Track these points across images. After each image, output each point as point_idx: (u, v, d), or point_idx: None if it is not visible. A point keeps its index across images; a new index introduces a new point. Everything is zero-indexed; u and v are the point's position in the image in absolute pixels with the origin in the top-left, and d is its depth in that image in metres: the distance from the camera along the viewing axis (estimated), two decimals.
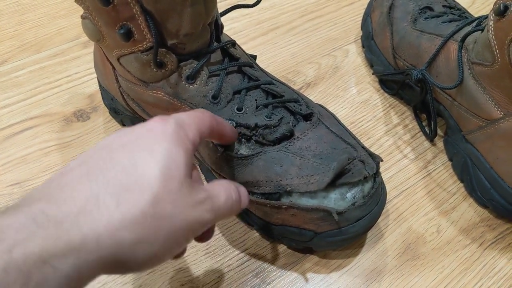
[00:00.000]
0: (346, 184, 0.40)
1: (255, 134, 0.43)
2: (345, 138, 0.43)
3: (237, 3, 0.48)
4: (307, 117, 0.45)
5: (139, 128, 0.31)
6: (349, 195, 0.40)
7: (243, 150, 0.43)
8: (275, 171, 0.41)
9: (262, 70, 0.48)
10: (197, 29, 0.40)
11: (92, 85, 0.59)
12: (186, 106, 0.43)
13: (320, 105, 0.48)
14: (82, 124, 0.55)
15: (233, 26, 0.68)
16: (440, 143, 0.56)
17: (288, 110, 0.44)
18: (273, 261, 0.46)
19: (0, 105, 0.56)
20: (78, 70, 0.61)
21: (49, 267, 0.23)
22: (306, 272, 0.45)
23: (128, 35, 0.38)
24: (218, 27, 0.45)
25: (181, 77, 0.42)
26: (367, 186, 0.41)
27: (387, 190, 0.51)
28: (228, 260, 0.45)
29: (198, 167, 0.35)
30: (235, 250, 0.46)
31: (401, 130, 0.57)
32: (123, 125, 0.55)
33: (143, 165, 0.28)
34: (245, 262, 0.45)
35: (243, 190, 0.36)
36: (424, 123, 0.58)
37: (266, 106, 0.43)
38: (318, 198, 0.40)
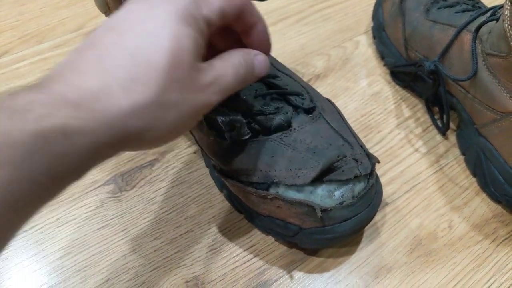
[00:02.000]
0: (335, 182, 0.39)
1: (249, 121, 0.42)
2: (343, 135, 0.42)
3: None
4: (309, 111, 0.43)
5: (148, 2, 0.30)
6: (337, 193, 0.39)
7: (237, 137, 0.42)
8: (265, 161, 0.41)
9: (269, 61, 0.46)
10: None
11: None
12: None
13: (328, 99, 0.47)
14: None
15: None
16: (452, 137, 0.55)
17: (288, 103, 0.43)
18: (280, 257, 0.45)
19: None
20: None
21: (69, 141, 0.25)
22: (314, 269, 0.44)
23: None
24: None
25: None
26: (359, 186, 0.40)
27: (398, 185, 0.50)
28: (234, 256, 0.45)
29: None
30: (241, 246, 0.45)
31: (412, 123, 0.56)
32: None
33: (150, 53, 0.28)
34: (251, 259, 0.44)
35: (260, 58, 0.35)
36: (436, 116, 0.56)
37: (264, 97, 0.43)
38: (305, 192, 0.39)
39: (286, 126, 0.42)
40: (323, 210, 0.39)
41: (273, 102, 0.43)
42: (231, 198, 0.47)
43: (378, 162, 0.42)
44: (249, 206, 0.44)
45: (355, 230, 0.41)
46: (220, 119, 0.41)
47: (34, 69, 0.59)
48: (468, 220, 0.48)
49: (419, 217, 0.48)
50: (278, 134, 0.41)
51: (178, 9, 0.29)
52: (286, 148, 0.41)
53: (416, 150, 0.54)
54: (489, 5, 0.55)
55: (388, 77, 0.61)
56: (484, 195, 0.50)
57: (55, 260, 0.43)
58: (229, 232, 0.46)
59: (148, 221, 0.46)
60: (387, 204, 0.49)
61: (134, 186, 0.49)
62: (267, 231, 0.45)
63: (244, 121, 0.41)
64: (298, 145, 0.41)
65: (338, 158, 0.39)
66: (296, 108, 0.43)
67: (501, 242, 0.47)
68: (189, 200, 0.48)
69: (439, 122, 0.55)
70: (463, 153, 0.53)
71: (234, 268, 0.44)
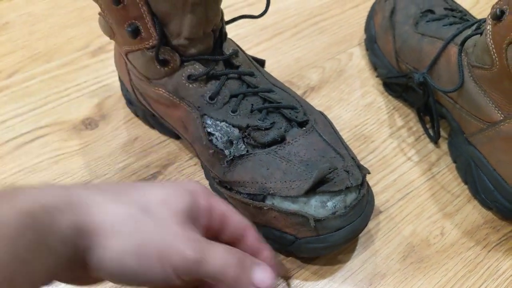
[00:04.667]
0: (328, 193, 0.41)
1: (246, 136, 0.44)
2: (335, 147, 0.44)
3: (244, 14, 0.51)
4: (302, 124, 0.45)
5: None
6: (330, 204, 0.41)
7: (235, 151, 0.44)
8: (261, 173, 0.43)
9: (265, 76, 0.49)
10: (198, 35, 0.43)
11: (100, 94, 0.60)
12: (184, 104, 0.45)
13: (321, 112, 0.49)
14: (90, 132, 0.56)
15: (238, 32, 0.68)
16: (444, 145, 0.56)
17: (283, 117, 0.45)
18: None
19: (12, 114, 0.58)
20: (87, 78, 0.62)
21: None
22: (310, 276, 0.46)
23: (135, 33, 0.41)
24: (222, 34, 0.46)
25: (182, 76, 0.44)
26: (350, 197, 0.42)
27: (392, 193, 0.51)
28: None
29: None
30: None
31: (405, 132, 0.58)
32: (137, 115, 0.57)
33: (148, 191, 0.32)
34: None
35: (262, 269, 0.33)
36: (428, 125, 0.58)
37: (260, 111, 0.45)
38: (299, 203, 0.41)
39: (280, 140, 0.44)
40: (317, 220, 0.40)
41: (269, 116, 0.45)
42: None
43: (369, 173, 0.44)
44: (246, 217, 0.46)
45: (348, 238, 0.43)
46: (218, 135, 0.43)
47: (43, 87, 0.61)
48: (460, 227, 0.49)
49: (412, 224, 0.49)
50: (273, 147, 0.43)
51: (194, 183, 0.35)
52: (280, 161, 0.43)
53: (409, 158, 0.55)
54: (479, 16, 0.56)
55: (381, 88, 0.62)
56: (475, 202, 0.51)
57: None
58: None
59: None
60: (380, 212, 0.50)
61: None
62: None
63: (241, 137, 0.44)
64: (292, 158, 0.42)
65: (330, 170, 0.41)
66: (290, 121, 0.45)
67: (492, 248, 0.48)
68: None
69: (431, 131, 0.57)
70: (455, 161, 0.54)
71: None
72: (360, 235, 0.48)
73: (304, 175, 0.41)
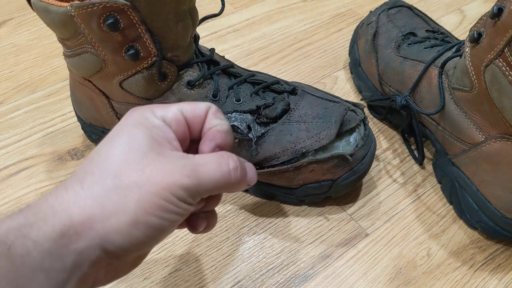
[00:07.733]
0: (347, 132, 0.48)
1: (257, 117, 0.48)
2: (329, 98, 0.50)
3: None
4: (292, 92, 0.51)
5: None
6: (352, 139, 0.48)
7: (255, 132, 0.48)
8: (287, 140, 0.48)
9: (240, 67, 0.53)
10: (188, 41, 0.45)
11: None
12: None
13: (297, 82, 0.54)
14: (76, 162, 0.56)
15: (225, 57, 0.69)
16: (429, 166, 0.57)
17: (275, 92, 0.50)
18: None
19: None
20: (71, 108, 0.62)
21: (29, 240, 0.25)
22: None
23: (136, 55, 0.42)
24: (197, 39, 0.49)
25: (182, 85, 0.46)
26: (361, 129, 0.49)
27: (378, 215, 0.52)
28: None
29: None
30: (226, 284, 0.47)
31: (390, 154, 0.58)
32: None
33: (105, 151, 0.30)
34: None
35: (249, 165, 0.35)
36: (413, 147, 0.58)
37: (257, 93, 0.50)
38: (329, 150, 0.48)
39: (286, 110, 0.49)
40: (350, 155, 0.47)
41: (266, 94, 0.50)
42: (260, 189, 0.52)
43: (365, 106, 0.52)
44: (282, 186, 0.51)
45: (370, 163, 0.51)
46: (237, 124, 0.47)
47: (28, 118, 0.61)
48: (446, 247, 0.50)
49: (398, 246, 0.50)
50: (283, 118, 0.49)
51: (130, 119, 0.31)
52: (297, 124, 0.48)
53: (394, 180, 0.55)
54: (463, 35, 0.57)
55: (366, 110, 0.63)
56: (461, 222, 0.52)
57: None
58: (216, 270, 0.48)
59: None
60: (367, 234, 0.50)
61: None
62: (301, 200, 0.52)
63: (254, 119, 0.48)
64: (305, 118, 0.48)
65: (346, 111, 0.48)
66: (282, 93, 0.50)
67: (478, 268, 0.48)
68: (177, 239, 0.50)
69: (416, 153, 0.57)
70: (440, 182, 0.55)
71: None
72: (347, 258, 0.48)
73: (324, 125, 0.47)
